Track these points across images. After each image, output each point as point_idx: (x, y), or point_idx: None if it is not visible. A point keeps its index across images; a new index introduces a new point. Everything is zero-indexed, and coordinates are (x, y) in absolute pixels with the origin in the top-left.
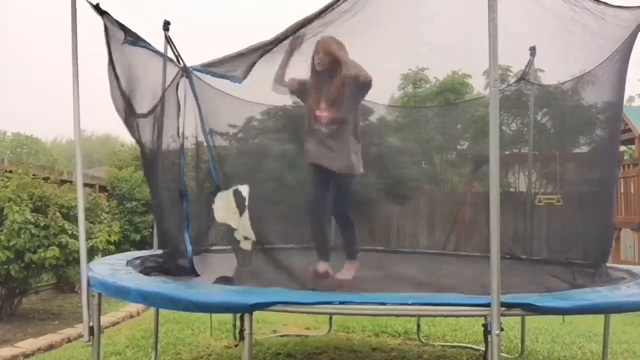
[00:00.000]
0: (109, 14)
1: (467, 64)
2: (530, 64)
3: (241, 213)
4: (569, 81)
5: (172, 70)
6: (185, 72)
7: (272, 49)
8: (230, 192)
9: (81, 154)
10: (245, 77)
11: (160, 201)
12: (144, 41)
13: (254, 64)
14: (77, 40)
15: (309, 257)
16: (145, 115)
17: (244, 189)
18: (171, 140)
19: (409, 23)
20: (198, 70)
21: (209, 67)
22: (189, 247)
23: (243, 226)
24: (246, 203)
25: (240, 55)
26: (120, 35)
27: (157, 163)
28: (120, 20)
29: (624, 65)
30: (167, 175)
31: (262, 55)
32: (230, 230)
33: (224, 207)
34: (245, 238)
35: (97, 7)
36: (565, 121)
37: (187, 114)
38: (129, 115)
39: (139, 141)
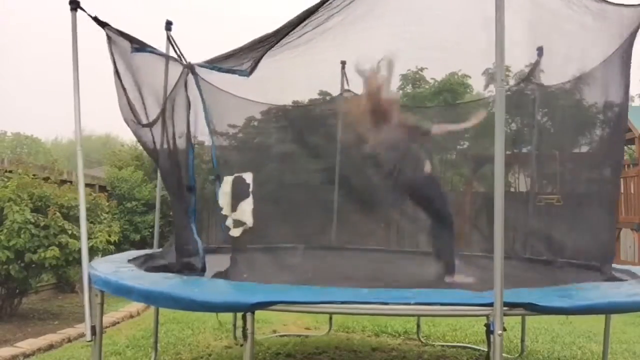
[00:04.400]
0: (110, 25)
1: (466, 64)
2: (537, 64)
3: (244, 198)
4: (571, 81)
5: (178, 70)
6: (191, 69)
7: (275, 42)
8: (231, 178)
9: (82, 155)
10: (252, 71)
11: (176, 200)
12: (150, 46)
13: (260, 58)
14: (78, 49)
15: (303, 253)
16: (154, 123)
17: (248, 176)
18: (178, 137)
19: (409, 22)
20: (203, 67)
21: (215, 63)
22: (199, 240)
23: (242, 210)
24: (250, 189)
25: (245, 50)
26: (124, 44)
27: (172, 164)
28: (121, 30)
29: (627, 63)
30: (181, 174)
31: (267, 50)
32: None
33: (224, 192)
34: (238, 224)
35: (96, 20)
36: (567, 121)
37: (193, 110)
38: (138, 124)
39: (151, 149)
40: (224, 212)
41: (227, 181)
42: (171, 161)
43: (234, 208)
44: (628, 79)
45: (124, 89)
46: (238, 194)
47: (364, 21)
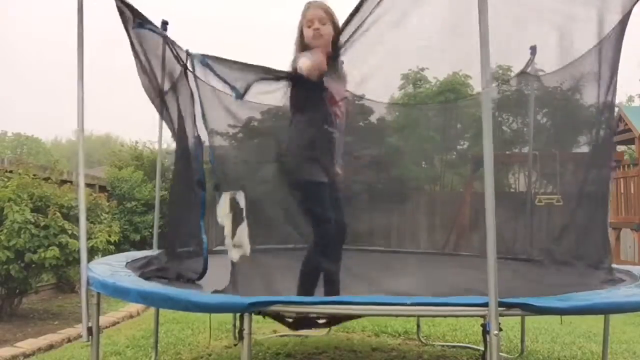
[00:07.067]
0: None
1: (467, 64)
2: (530, 62)
3: (239, 223)
4: (564, 70)
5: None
6: (185, 68)
7: (277, 78)
8: (227, 195)
9: (84, 155)
10: (244, 95)
11: (180, 195)
12: (151, 24)
13: (253, 82)
14: (83, 47)
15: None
16: (163, 98)
17: (240, 197)
18: (183, 129)
19: (409, 21)
20: (202, 62)
21: (214, 64)
22: (205, 239)
23: (239, 236)
24: (244, 214)
25: (246, 69)
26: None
27: (180, 154)
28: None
29: (617, 50)
30: (189, 166)
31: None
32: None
33: (222, 209)
34: (235, 247)
35: None
36: (561, 117)
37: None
38: (153, 94)
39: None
40: (225, 231)
41: (225, 201)
42: (179, 151)
43: (232, 231)
44: (617, 67)
45: (138, 57)
46: (234, 218)
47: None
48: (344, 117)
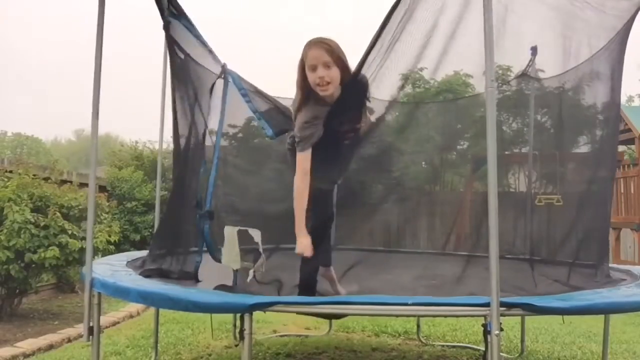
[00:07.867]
0: None
1: (468, 64)
2: (531, 63)
3: (255, 261)
4: (567, 74)
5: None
6: (224, 71)
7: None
8: (234, 231)
9: (96, 158)
10: (277, 135)
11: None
12: (188, 21)
13: (287, 130)
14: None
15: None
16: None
17: (256, 234)
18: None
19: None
20: (240, 91)
21: (252, 96)
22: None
23: (258, 267)
24: (260, 250)
25: (284, 111)
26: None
27: (187, 159)
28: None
29: (621, 56)
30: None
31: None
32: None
33: (226, 250)
34: (252, 271)
35: None
36: (563, 118)
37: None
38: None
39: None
40: (233, 267)
41: (232, 235)
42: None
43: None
44: (621, 73)
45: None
46: (248, 255)
47: None
48: (359, 131)
